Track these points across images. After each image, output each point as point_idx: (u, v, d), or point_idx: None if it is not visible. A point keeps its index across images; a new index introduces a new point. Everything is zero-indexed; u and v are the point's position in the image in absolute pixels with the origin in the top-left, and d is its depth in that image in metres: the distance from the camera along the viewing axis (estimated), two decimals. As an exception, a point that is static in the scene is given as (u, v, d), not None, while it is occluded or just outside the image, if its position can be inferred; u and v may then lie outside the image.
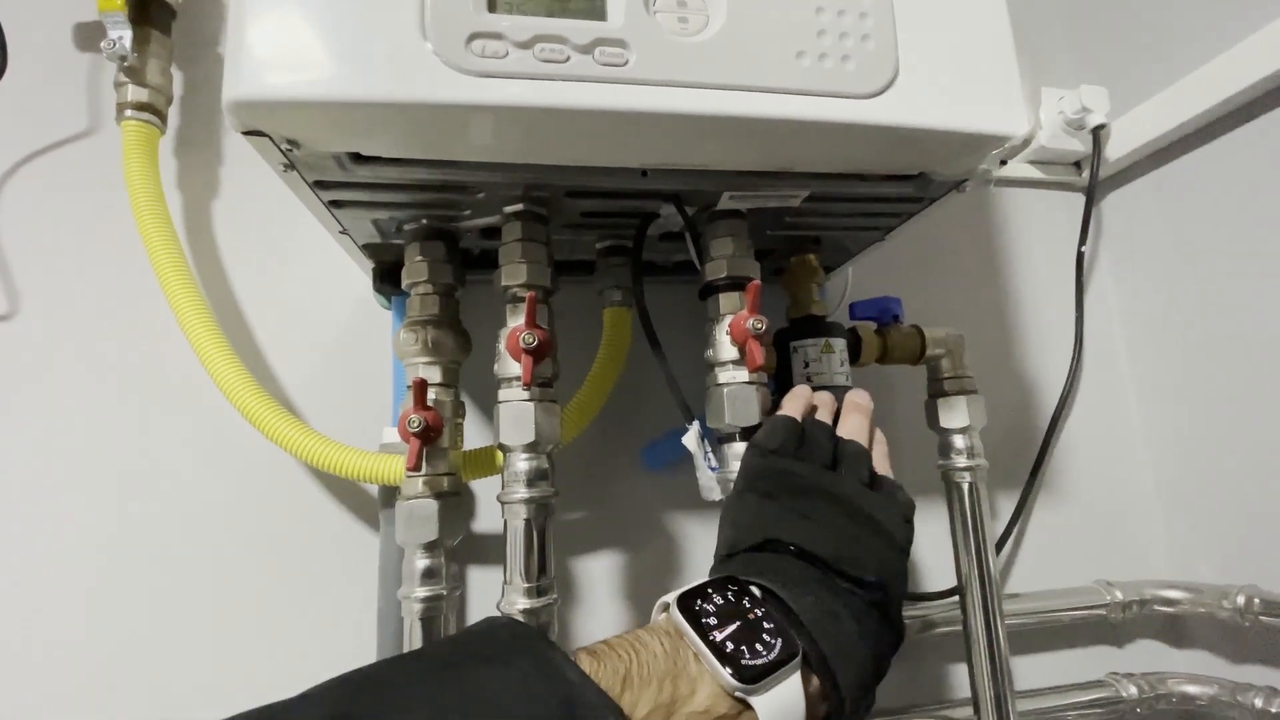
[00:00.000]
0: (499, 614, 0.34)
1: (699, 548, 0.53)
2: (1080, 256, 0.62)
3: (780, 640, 0.24)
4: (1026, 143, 0.34)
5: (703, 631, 0.24)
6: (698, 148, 0.33)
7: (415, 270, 0.39)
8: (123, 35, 0.46)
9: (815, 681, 0.25)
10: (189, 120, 0.52)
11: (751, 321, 0.35)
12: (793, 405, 0.35)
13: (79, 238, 0.49)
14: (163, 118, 0.47)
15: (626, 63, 0.29)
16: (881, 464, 0.34)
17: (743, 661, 0.23)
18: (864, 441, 0.34)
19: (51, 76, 0.51)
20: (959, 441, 0.47)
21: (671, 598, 0.26)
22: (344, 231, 0.40)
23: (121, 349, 0.47)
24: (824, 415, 0.36)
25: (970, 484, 0.46)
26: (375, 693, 0.20)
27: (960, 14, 0.34)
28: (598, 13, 0.30)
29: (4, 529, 0.44)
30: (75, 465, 0.45)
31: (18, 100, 0.49)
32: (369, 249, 0.44)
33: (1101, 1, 0.67)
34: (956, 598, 0.49)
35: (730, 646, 0.24)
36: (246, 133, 0.29)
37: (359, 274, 0.50)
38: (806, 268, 0.47)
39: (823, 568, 0.28)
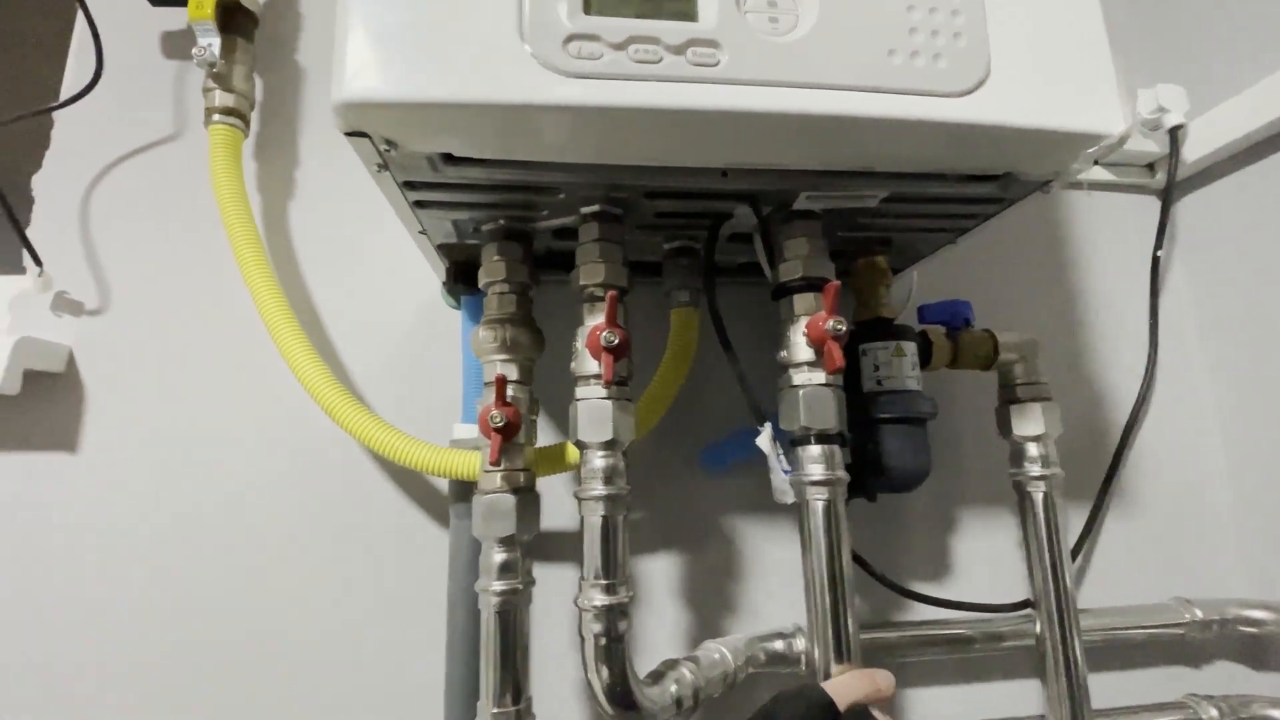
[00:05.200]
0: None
1: (757, 550, 0.52)
2: (1156, 261, 0.60)
3: None
4: (1122, 141, 0.33)
5: None
6: (782, 147, 0.33)
7: (493, 270, 0.39)
8: (212, 43, 0.48)
9: None
10: (267, 124, 0.54)
11: (831, 323, 0.35)
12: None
13: (166, 236, 0.51)
14: (246, 122, 0.49)
15: (718, 63, 0.29)
16: None
17: None
18: None
19: (141, 83, 0.53)
20: (1033, 450, 0.46)
21: None
22: (423, 231, 0.41)
23: (206, 342, 0.49)
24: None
25: (1045, 494, 0.45)
26: None
27: (1053, 9, 0.33)
28: (689, 14, 0.30)
29: (94, 513, 0.46)
30: (163, 454, 0.47)
31: (110, 105, 0.51)
32: (443, 249, 0.44)
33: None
34: (1026, 611, 0.47)
35: None
36: (350, 133, 0.29)
37: (427, 274, 0.51)
38: (875, 269, 0.47)
39: None
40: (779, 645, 0.45)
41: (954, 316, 0.47)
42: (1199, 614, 0.54)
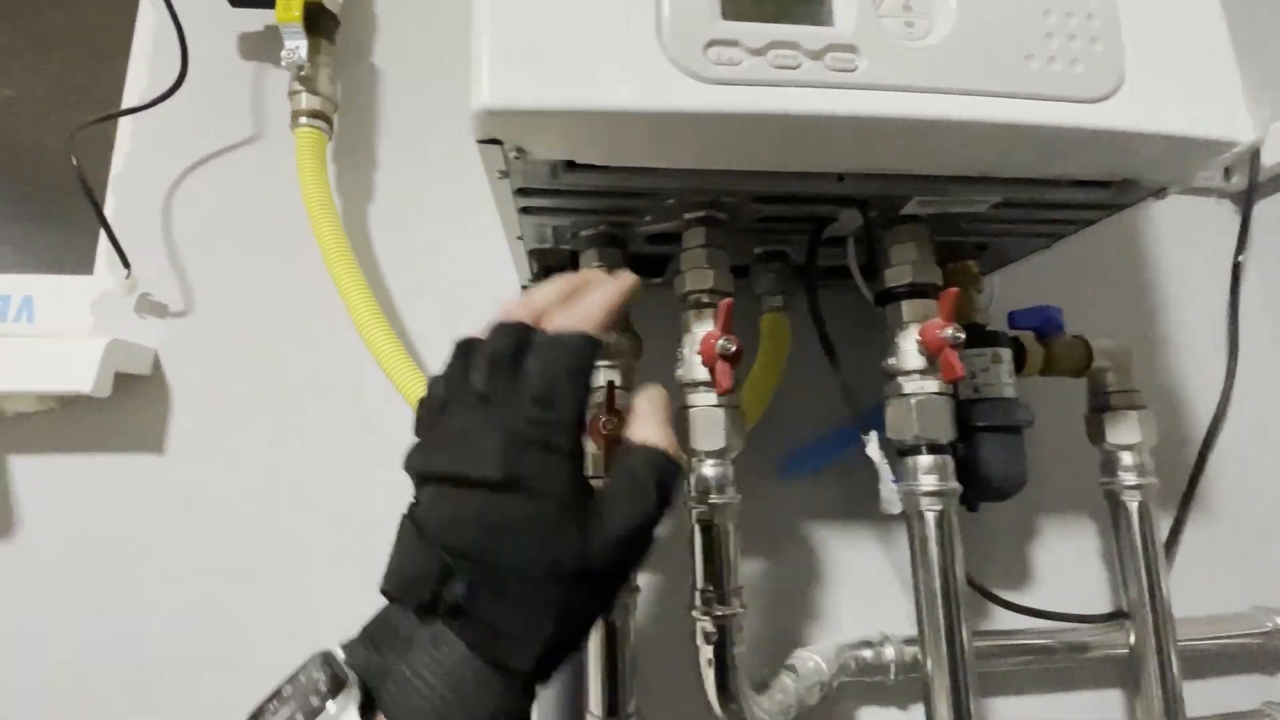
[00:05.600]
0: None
1: (835, 556, 0.52)
2: (1236, 267, 0.59)
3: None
4: (1252, 148, 0.32)
5: None
6: (909, 153, 0.32)
7: (595, 275, 0.39)
8: (299, 45, 0.47)
9: None
10: (345, 127, 0.54)
11: (950, 330, 0.35)
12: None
13: (248, 238, 0.51)
14: (330, 124, 0.49)
15: (856, 69, 0.29)
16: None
17: None
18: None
19: (220, 84, 0.53)
20: (1127, 459, 0.45)
21: None
22: (520, 237, 0.41)
23: (289, 343, 0.49)
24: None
25: (1141, 503, 0.45)
26: None
27: (1181, 14, 0.33)
28: (824, 17, 0.30)
29: (181, 513, 0.46)
30: (249, 456, 0.47)
31: (192, 107, 0.51)
32: (535, 253, 0.44)
33: (1253, 3, 0.63)
34: (1116, 621, 0.47)
35: None
36: (483, 140, 0.29)
37: (509, 276, 0.51)
38: (967, 274, 0.46)
39: None
40: (868, 654, 0.45)
41: (1046, 322, 0.46)
42: (1281, 623, 0.53)
